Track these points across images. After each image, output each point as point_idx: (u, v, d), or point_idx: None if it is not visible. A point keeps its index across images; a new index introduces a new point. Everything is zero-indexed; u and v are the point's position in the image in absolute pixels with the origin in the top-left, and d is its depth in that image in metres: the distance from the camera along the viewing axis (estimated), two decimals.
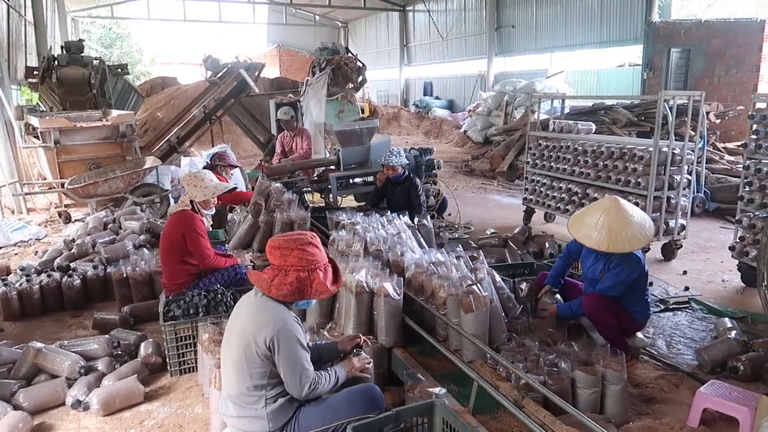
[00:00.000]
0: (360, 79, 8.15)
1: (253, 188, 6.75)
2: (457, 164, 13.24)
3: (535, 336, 3.46)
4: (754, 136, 4.85)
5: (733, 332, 3.99)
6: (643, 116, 10.53)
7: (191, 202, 4.27)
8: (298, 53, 31.79)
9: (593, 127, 7.13)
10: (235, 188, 4.66)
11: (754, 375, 3.55)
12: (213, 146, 9.93)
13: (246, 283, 4.23)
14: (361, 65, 8.18)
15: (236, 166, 6.42)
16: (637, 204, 5.72)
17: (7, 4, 11.30)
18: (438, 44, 23.24)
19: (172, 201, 7.86)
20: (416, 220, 5.23)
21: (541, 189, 7.25)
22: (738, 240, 5.18)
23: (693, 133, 9.35)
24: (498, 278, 3.74)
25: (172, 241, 4.14)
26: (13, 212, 8.48)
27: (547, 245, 6.05)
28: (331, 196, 7.51)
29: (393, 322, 3.35)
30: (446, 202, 7.59)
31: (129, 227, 6.11)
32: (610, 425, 2.79)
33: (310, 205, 7.64)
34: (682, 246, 6.13)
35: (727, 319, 4.28)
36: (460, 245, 4.03)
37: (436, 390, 2.74)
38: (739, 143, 9.07)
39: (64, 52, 9.77)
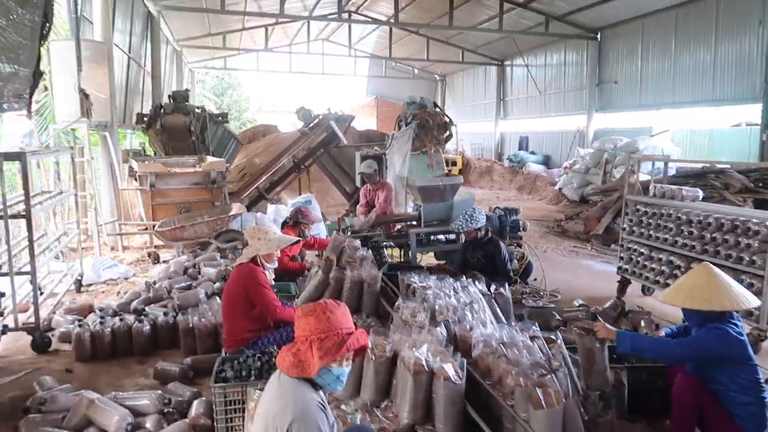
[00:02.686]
0: (447, 134, 7.99)
1: None
2: (549, 223, 12.62)
3: None
4: None
5: None
6: (761, 182, 9.53)
7: (254, 256, 4.19)
8: (395, 104, 32.44)
9: (700, 194, 6.45)
10: (299, 241, 4.53)
11: None
12: (300, 194, 10.10)
13: None
14: (447, 120, 8.03)
15: (317, 222, 6.37)
16: (751, 285, 5.02)
17: (128, 56, 12.32)
18: (535, 99, 22.84)
19: None
20: (493, 287, 4.85)
21: (639, 259, 6.60)
22: None
23: None
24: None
25: (234, 294, 4.05)
26: (112, 249, 8.94)
27: (642, 324, 5.39)
28: (410, 252, 7.30)
29: (452, 409, 3.00)
30: (531, 267, 7.12)
31: (206, 274, 6.17)
32: None
33: (388, 261, 7.47)
34: None
35: None
36: (536, 324, 3.62)
37: None
38: None
39: (171, 101, 10.42)
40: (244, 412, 3.45)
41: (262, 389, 3.26)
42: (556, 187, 17.24)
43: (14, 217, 4.70)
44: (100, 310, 5.32)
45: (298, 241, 4.56)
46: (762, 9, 12.66)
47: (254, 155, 17.12)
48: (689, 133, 15.59)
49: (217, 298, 5.44)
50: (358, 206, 7.99)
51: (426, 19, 21.14)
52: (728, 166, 10.23)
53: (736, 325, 3.27)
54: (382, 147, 9.29)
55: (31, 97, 7.07)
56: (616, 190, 11.65)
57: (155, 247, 8.33)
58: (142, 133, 13.16)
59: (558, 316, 5.60)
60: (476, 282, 4.82)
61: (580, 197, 15.58)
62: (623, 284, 7.00)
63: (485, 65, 26.02)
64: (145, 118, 10.82)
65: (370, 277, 5.13)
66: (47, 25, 7.05)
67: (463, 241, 6.27)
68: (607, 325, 3.39)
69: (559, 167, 19.67)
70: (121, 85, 12.12)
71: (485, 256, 5.73)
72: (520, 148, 23.51)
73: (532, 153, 22.51)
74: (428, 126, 7.69)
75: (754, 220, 5.16)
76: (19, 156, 4.58)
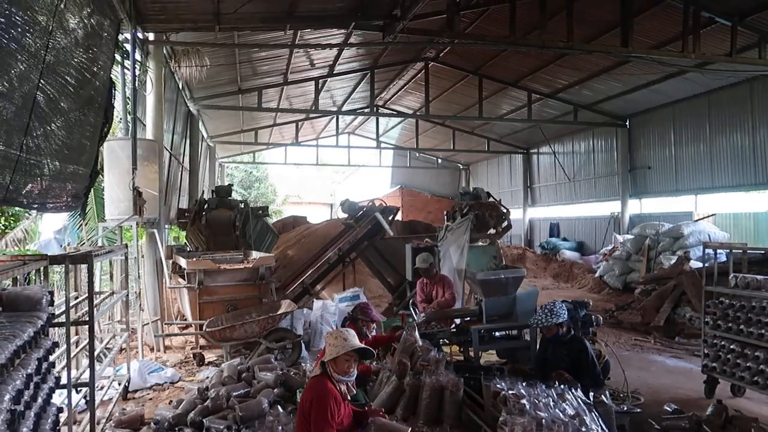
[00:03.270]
0: (505, 224, 7.73)
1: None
2: (599, 314, 12.00)
3: None
4: None
5: None
6: None
7: (323, 364, 3.82)
8: (419, 194, 32.66)
9: None
10: (367, 349, 4.05)
11: None
12: (344, 289, 9.78)
13: None
14: (504, 210, 7.80)
15: (378, 320, 5.99)
16: None
17: (170, 153, 12.51)
18: (564, 185, 22.75)
19: (303, 347, 7.56)
20: (591, 395, 4.39)
21: (728, 356, 6.08)
22: None
23: None
24: None
25: (304, 410, 3.67)
26: (152, 350, 8.56)
27: None
28: (471, 350, 6.86)
29: None
30: (608, 366, 6.58)
31: (263, 379, 5.75)
32: None
33: (447, 359, 7.00)
34: None
35: None
36: None
37: None
38: None
39: (214, 196, 10.40)
40: None
41: None
42: (597, 275, 16.70)
43: (76, 323, 4.42)
44: (156, 423, 4.90)
45: (371, 354, 4.14)
46: None
47: (287, 247, 16.98)
48: (732, 216, 15.21)
49: (280, 408, 5.01)
50: (416, 301, 7.63)
51: (452, 111, 21.60)
52: None
53: None
54: (432, 239, 9.04)
55: (86, 196, 6.99)
56: (671, 278, 11.14)
57: (200, 347, 7.95)
58: (179, 228, 13.17)
59: (656, 425, 5.06)
60: (572, 389, 4.38)
61: (623, 285, 15.03)
62: (710, 384, 6.43)
63: (510, 153, 26.27)
64: (187, 214, 10.80)
65: (451, 384, 4.71)
66: (106, 126, 7.09)
67: (540, 338, 5.85)
68: None
69: (594, 253, 19.23)
70: (164, 181, 12.25)
71: (569, 355, 5.25)
72: (551, 235, 23.15)
73: (565, 239, 22.11)
74: (485, 217, 7.45)
75: None
76: (85, 258, 4.37)
